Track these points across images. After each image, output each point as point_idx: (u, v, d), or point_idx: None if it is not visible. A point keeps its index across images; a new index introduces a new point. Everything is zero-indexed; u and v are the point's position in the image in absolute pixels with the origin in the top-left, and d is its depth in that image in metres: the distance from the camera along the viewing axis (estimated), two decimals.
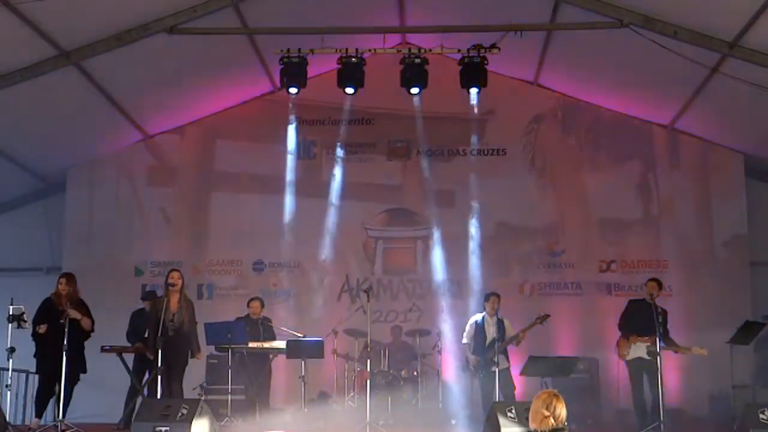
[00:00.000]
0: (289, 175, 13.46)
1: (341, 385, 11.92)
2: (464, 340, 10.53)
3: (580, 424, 10.48)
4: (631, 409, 11.50)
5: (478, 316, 10.56)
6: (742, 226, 13.16)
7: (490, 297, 10.55)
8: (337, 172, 13.39)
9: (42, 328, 9.08)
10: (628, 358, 9.89)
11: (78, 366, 9.31)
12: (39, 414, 9.31)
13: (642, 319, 9.69)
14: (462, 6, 11.58)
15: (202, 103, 13.35)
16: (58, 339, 8.80)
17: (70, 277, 9.41)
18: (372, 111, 13.41)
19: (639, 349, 9.76)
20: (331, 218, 13.14)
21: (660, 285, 10.00)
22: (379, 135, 13.66)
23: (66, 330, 8.76)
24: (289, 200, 13.34)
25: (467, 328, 10.53)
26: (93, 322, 9.47)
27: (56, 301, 9.25)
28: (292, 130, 13.13)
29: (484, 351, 10.22)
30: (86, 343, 9.50)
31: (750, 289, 12.89)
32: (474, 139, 13.34)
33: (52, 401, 9.53)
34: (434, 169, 13.60)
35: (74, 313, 9.15)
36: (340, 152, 13.37)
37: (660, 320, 9.60)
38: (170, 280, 9.51)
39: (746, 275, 13.02)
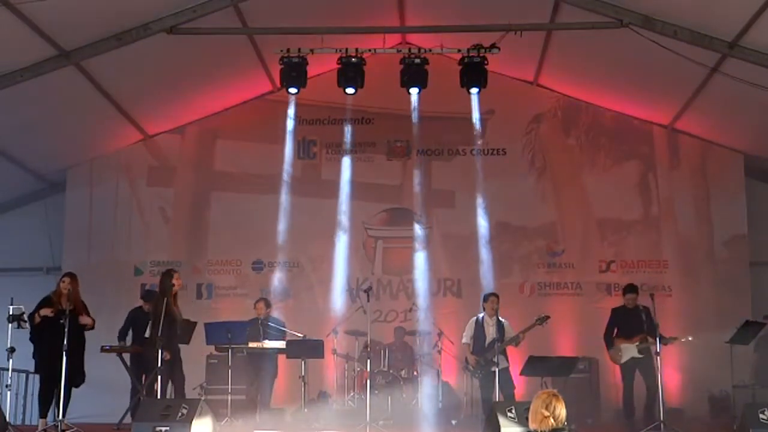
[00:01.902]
0: (289, 175, 13.46)
1: (341, 385, 11.92)
2: (464, 341, 10.52)
3: (580, 424, 10.49)
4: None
5: (478, 316, 10.56)
6: (742, 226, 13.15)
7: (489, 297, 10.54)
8: (338, 171, 13.37)
9: (47, 311, 9.05)
10: (623, 361, 10.07)
11: (78, 366, 9.31)
12: (44, 414, 9.30)
13: (628, 323, 10.06)
14: (462, 6, 11.57)
15: (202, 103, 13.34)
16: (58, 338, 8.80)
17: (73, 277, 9.42)
18: (372, 111, 13.41)
19: (630, 351, 10.05)
20: (331, 218, 13.13)
21: (637, 291, 10.35)
22: (379, 135, 13.65)
23: (66, 329, 8.75)
24: (288, 200, 13.34)
25: (467, 328, 10.53)
26: (93, 321, 9.49)
27: (56, 300, 9.24)
28: (290, 130, 12.99)
29: (484, 351, 10.22)
30: (86, 343, 9.49)
31: (750, 289, 12.89)
32: (474, 139, 13.32)
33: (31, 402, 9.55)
34: (434, 169, 13.62)
35: (85, 319, 9.17)
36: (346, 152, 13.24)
37: (644, 318, 9.86)
38: (176, 281, 9.65)
39: (746, 275, 13.02)
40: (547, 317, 10.20)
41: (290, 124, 13.06)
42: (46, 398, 9.31)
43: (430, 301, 13.12)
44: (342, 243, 13.18)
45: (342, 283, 13.26)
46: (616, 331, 10.38)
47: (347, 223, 13.20)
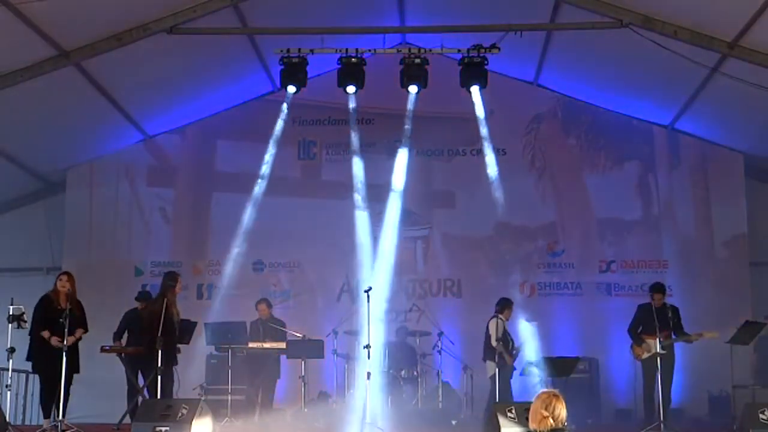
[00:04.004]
0: (289, 175, 13.48)
1: (341, 385, 11.92)
2: (495, 342, 10.51)
3: (580, 424, 10.50)
4: (630, 408, 11.60)
5: (502, 320, 10.65)
6: (742, 226, 13.14)
7: (510, 304, 10.72)
8: (338, 171, 13.34)
9: (47, 335, 9.04)
10: (644, 357, 10.02)
11: (76, 365, 9.31)
12: (48, 414, 9.28)
13: (654, 320, 9.91)
14: (462, 6, 11.57)
15: (202, 103, 13.33)
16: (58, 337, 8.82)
17: (70, 276, 9.42)
18: (372, 111, 13.38)
19: (654, 347, 9.90)
20: (332, 218, 13.10)
21: (662, 289, 10.21)
22: (379, 135, 13.63)
23: (66, 330, 8.77)
24: (289, 200, 13.33)
25: (497, 329, 10.51)
26: (86, 324, 9.46)
27: (55, 299, 9.24)
28: (279, 128, 12.31)
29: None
30: (86, 344, 9.50)
31: (750, 289, 12.88)
32: (474, 139, 13.26)
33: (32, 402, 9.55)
34: (434, 169, 13.61)
35: (76, 336, 9.17)
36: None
37: (670, 315, 9.89)
38: (178, 284, 9.77)
39: (746, 275, 13.01)
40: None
41: (280, 121, 12.67)
42: (50, 398, 9.29)
43: (430, 301, 13.13)
44: (342, 243, 13.14)
45: (342, 283, 13.24)
46: (640, 327, 10.32)
47: (347, 223, 13.17)
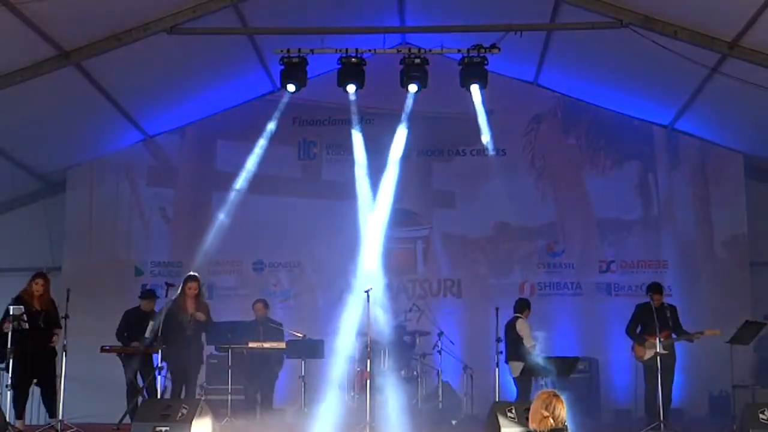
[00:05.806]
0: (289, 175, 13.48)
1: (341, 385, 11.90)
2: (533, 342, 10.54)
3: (580, 424, 10.48)
4: (630, 408, 11.59)
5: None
6: (742, 226, 13.14)
7: (528, 304, 10.77)
8: (339, 171, 13.32)
9: (7, 328, 8.87)
10: (646, 358, 10.01)
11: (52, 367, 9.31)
12: (20, 415, 9.28)
13: (654, 320, 9.92)
14: (462, 6, 11.58)
15: (202, 103, 13.34)
16: (33, 339, 8.86)
17: (46, 279, 9.39)
18: (372, 111, 13.37)
19: (656, 346, 9.89)
20: (332, 218, 13.09)
21: (662, 289, 10.24)
22: (379, 135, 13.59)
23: (65, 330, 8.78)
24: (289, 200, 13.33)
25: (530, 332, 10.55)
26: (59, 322, 9.41)
27: (28, 301, 9.19)
28: (272, 127, 12.11)
29: None
30: (86, 344, 9.51)
31: (750, 289, 12.89)
32: (474, 139, 13.24)
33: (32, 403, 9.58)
34: (434, 170, 13.61)
35: (54, 340, 9.21)
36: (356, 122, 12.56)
37: (669, 315, 9.92)
38: (189, 291, 10.01)
39: (746, 275, 13.01)
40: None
41: (273, 119, 12.53)
42: (23, 400, 9.27)
43: (430, 301, 13.13)
44: (342, 243, 13.12)
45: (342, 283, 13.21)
46: (639, 327, 10.33)
47: (347, 223, 13.15)
